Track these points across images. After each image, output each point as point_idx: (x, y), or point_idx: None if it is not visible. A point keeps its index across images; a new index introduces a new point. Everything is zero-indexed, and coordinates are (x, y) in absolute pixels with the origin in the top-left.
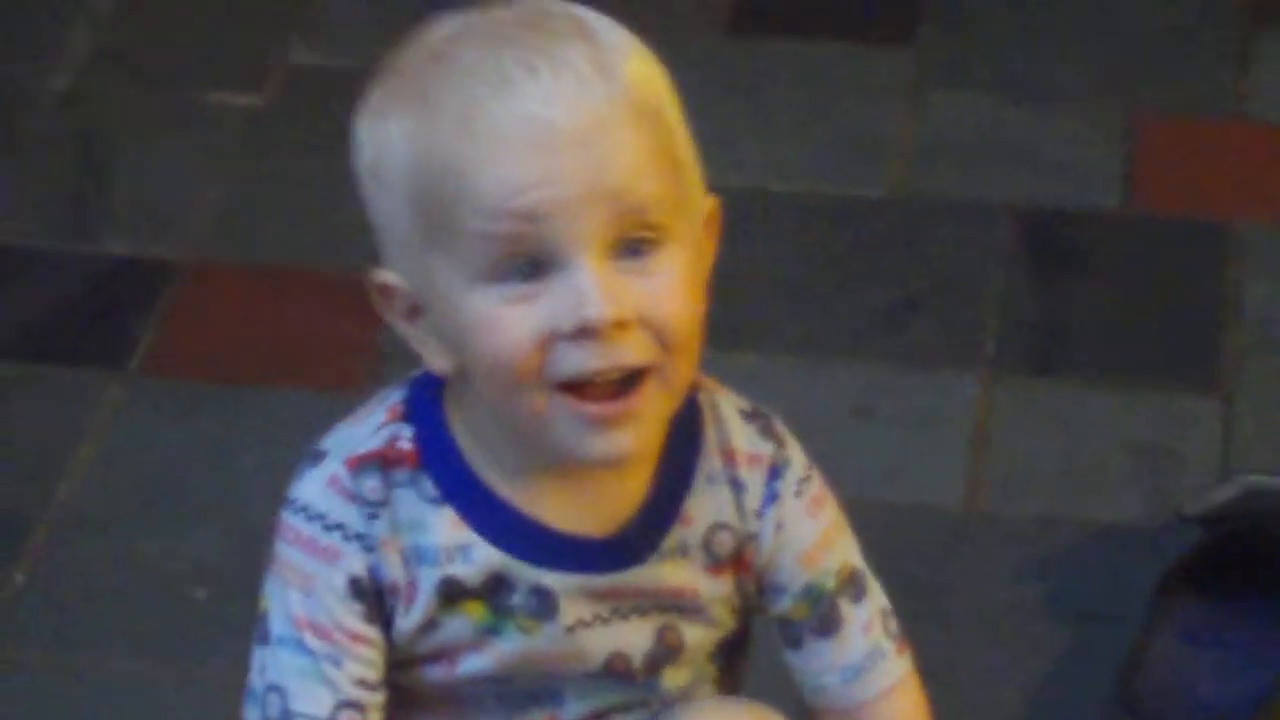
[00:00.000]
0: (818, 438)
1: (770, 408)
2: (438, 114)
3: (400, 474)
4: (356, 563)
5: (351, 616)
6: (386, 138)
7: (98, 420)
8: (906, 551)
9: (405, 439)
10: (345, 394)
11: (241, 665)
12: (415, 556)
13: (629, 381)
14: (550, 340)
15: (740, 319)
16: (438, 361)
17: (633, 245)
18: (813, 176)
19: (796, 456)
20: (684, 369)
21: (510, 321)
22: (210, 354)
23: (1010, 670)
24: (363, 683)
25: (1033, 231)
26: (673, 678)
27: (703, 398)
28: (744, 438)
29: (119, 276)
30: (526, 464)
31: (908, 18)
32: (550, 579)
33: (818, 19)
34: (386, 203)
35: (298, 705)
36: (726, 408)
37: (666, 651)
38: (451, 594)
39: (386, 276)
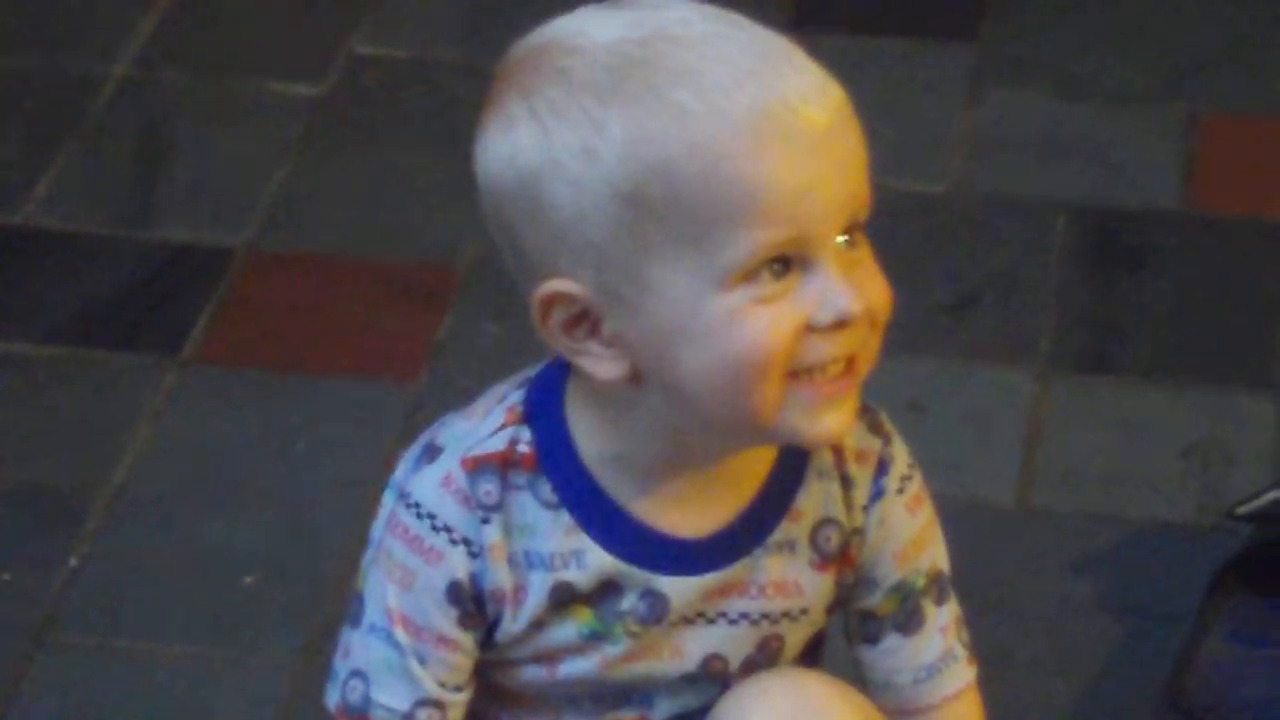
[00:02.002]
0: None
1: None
2: (678, 109)
3: (518, 477)
4: (460, 567)
5: (445, 619)
6: (596, 137)
7: (153, 405)
8: (959, 546)
9: (524, 442)
10: (398, 383)
11: (291, 650)
12: (527, 561)
13: (849, 362)
14: (805, 333)
15: None
16: (605, 368)
17: (849, 238)
18: (873, 171)
19: (901, 453)
20: (878, 346)
21: (766, 318)
22: (265, 341)
23: (1060, 665)
24: (444, 684)
25: (1091, 229)
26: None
27: None
28: (853, 433)
29: (177, 263)
30: (661, 467)
31: (969, 14)
32: (663, 582)
33: (880, 15)
34: (584, 205)
35: (379, 695)
36: None
37: (766, 657)
38: (562, 599)
39: (561, 286)
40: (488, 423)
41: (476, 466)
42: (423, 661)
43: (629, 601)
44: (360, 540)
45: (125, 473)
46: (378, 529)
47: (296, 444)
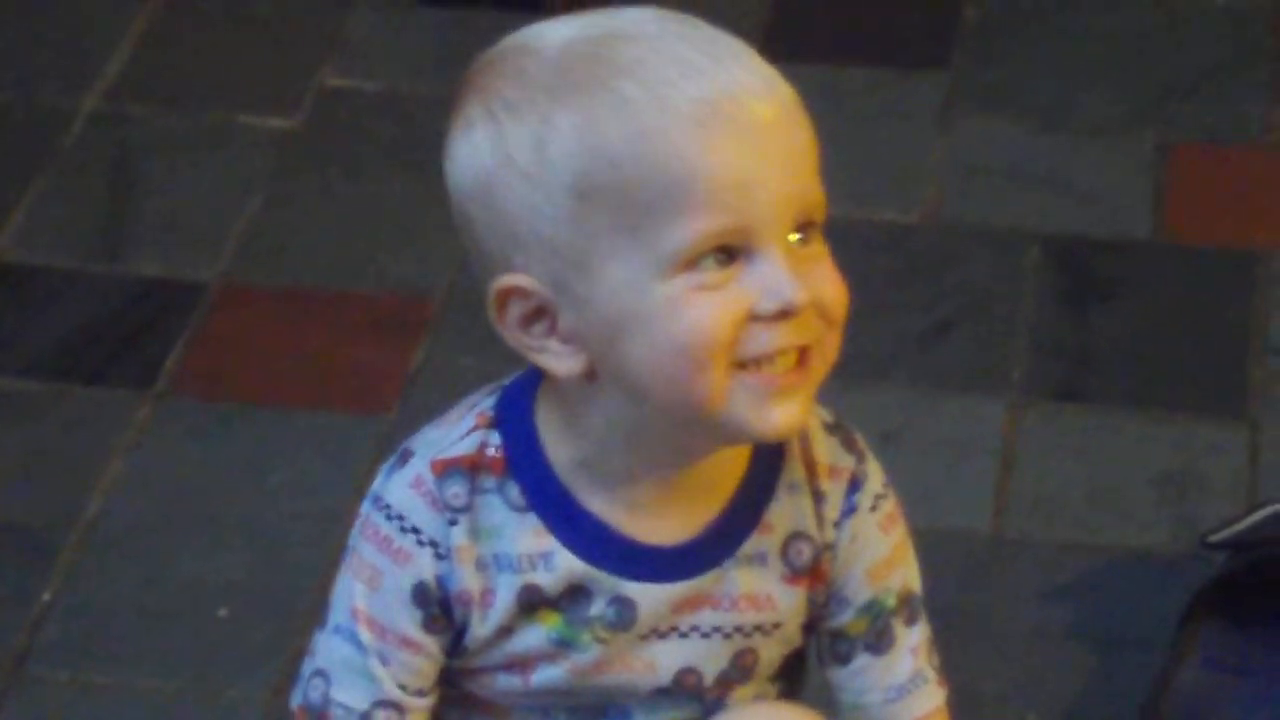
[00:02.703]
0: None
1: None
2: (624, 101)
3: (487, 480)
4: (426, 568)
5: (410, 622)
6: (547, 131)
7: (125, 439)
8: (932, 575)
9: (493, 446)
10: (372, 417)
11: (265, 684)
12: (495, 564)
13: (800, 356)
14: (746, 322)
15: None
16: (561, 364)
17: (800, 233)
18: (844, 201)
19: (875, 472)
20: (837, 344)
21: (707, 305)
22: (238, 375)
23: (1034, 695)
24: (404, 687)
25: (1062, 259)
26: (741, 696)
27: None
28: (826, 449)
29: (149, 297)
30: (625, 470)
31: (941, 44)
32: (631, 589)
33: (851, 44)
34: (534, 198)
35: (338, 694)
36: (810, 419)
37: (740, 672)
38: (531, 602)
39: (515, 280)
40: (458, 428)
41: (445, 470)
42: (385, 662)
43: (597, 607)
44: (334, 572)
45: (98, 506)
46: (352, 536)
47: (270, 477)
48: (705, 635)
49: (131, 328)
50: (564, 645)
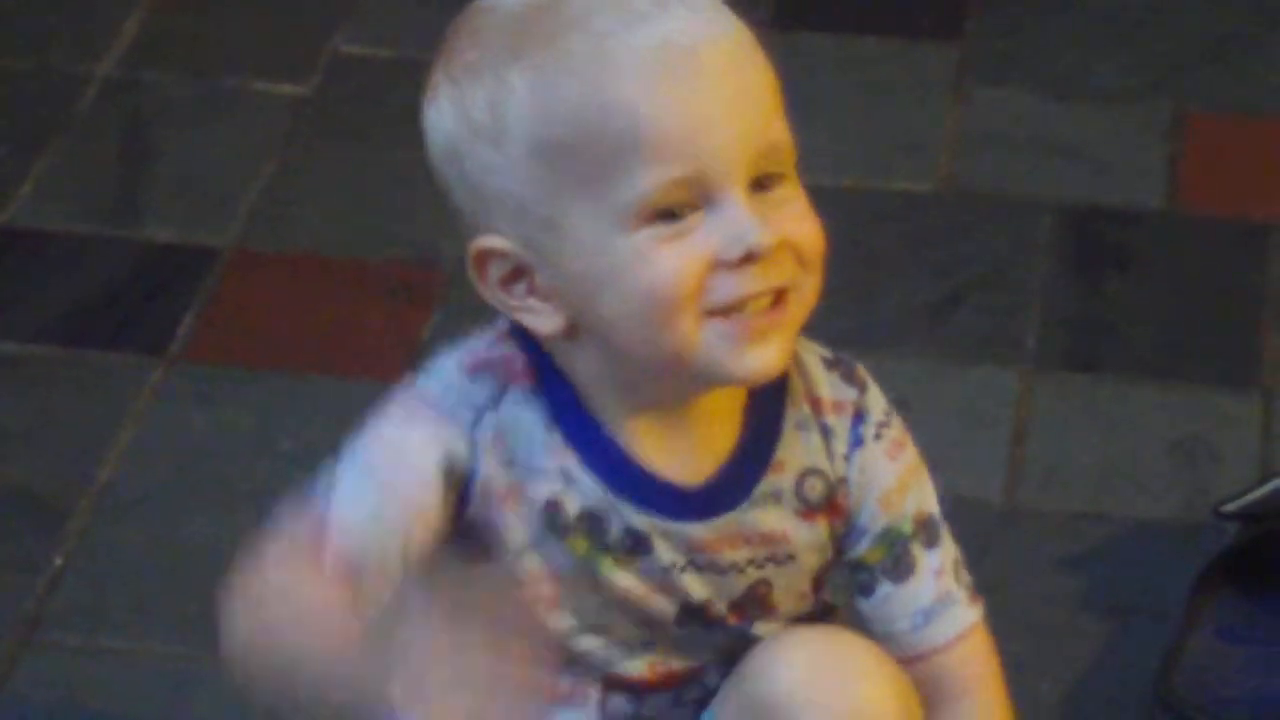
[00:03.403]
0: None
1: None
2: (570, 56)
3: (516, 390)
4: (456, 442)
5: (428, 494)
6: (502, 92)
7: (138, 405)
8: None
9: (521, 359)
10: (384, 383)
11: None
12: (524, 468)
13: (776, 299)
14: (712, 269)
15: None
16: (543, 322)
17: (763, 181)
18: (857, 171)
19: (876, 401)
20: (816, 285)
21: (671, 255)
22: (251, 341)
23: (1047, 664)
24: (413, 527)
25: (1077, 228)
26: (765, 629)
27: None
28: (828, 385)
29: (162, 262)
30: (627, 409)
31: (954, 13)
32: (641, 521)
33: (863, 14)
34: (500, 160)
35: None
36: (809, 356)
37: (755, 602)
38: (554, 520)
39: (488, 241)
40: (484, 339)
41: (475, 369)
42: (395, 493)
43: (613, 535)
44: None
45: (110, 472)
46: (370, 421)
47: (282, 443)
48: (721, 572)
49: (144, 293)
50: (586, 567)
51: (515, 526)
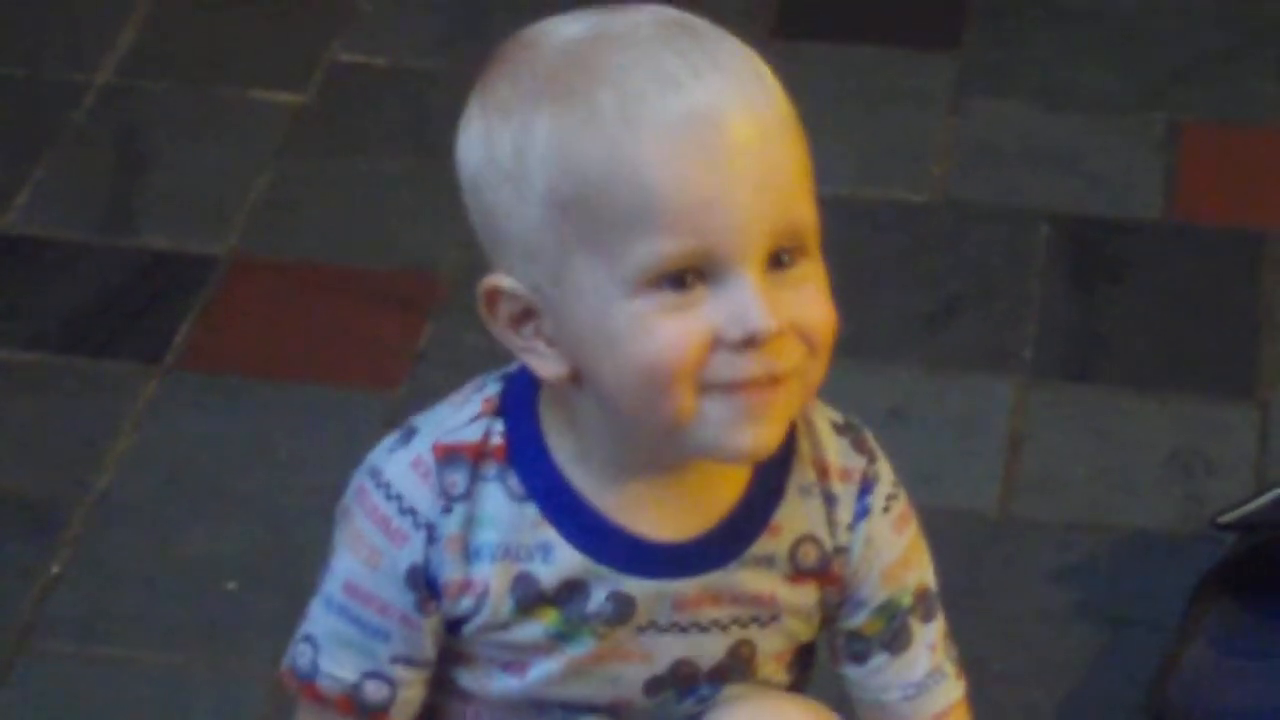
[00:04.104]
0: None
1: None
2: (596, 113)
3: (489, 468)
4: (419, 552)
5: (406, 601)
6: (527, 137)
7: (134, 413)
8: (940, 554)
9: (497, 433)
10: (381, 392)
11: (272, 657)
12: (483, 554)
13: (774, 381)
14: (712, 346)
15: None
16: (547, 367)
17: (781, 256)
18: (855, 180)
19: (885, 472)
20: (821, 370)
21: (672, 328)
22: (247, 349)
23: (1041, 675)
24: (401, 660)
25: (1072, 239)
26: (733, 690)
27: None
28: (837, 451)
29: (158, 271)
30: (623, 468)
31: (952, 24)
32: (630, 584)
33: (861, 24)
34: (518, 204)
35: (326, 664)
36: (819, 420)
37: (738, 664)
38: (526, 595)
39: (500, 281)
40: (465, 411)
41: (447, 455)
42: (381, 639)
43: (595, 603)
44: None
45: (106, 480)
46: (346, 502)
47: (278, 451)
48: (704, 629)
49: (140, 301)
50: (561, 639)
51: (484, 612)
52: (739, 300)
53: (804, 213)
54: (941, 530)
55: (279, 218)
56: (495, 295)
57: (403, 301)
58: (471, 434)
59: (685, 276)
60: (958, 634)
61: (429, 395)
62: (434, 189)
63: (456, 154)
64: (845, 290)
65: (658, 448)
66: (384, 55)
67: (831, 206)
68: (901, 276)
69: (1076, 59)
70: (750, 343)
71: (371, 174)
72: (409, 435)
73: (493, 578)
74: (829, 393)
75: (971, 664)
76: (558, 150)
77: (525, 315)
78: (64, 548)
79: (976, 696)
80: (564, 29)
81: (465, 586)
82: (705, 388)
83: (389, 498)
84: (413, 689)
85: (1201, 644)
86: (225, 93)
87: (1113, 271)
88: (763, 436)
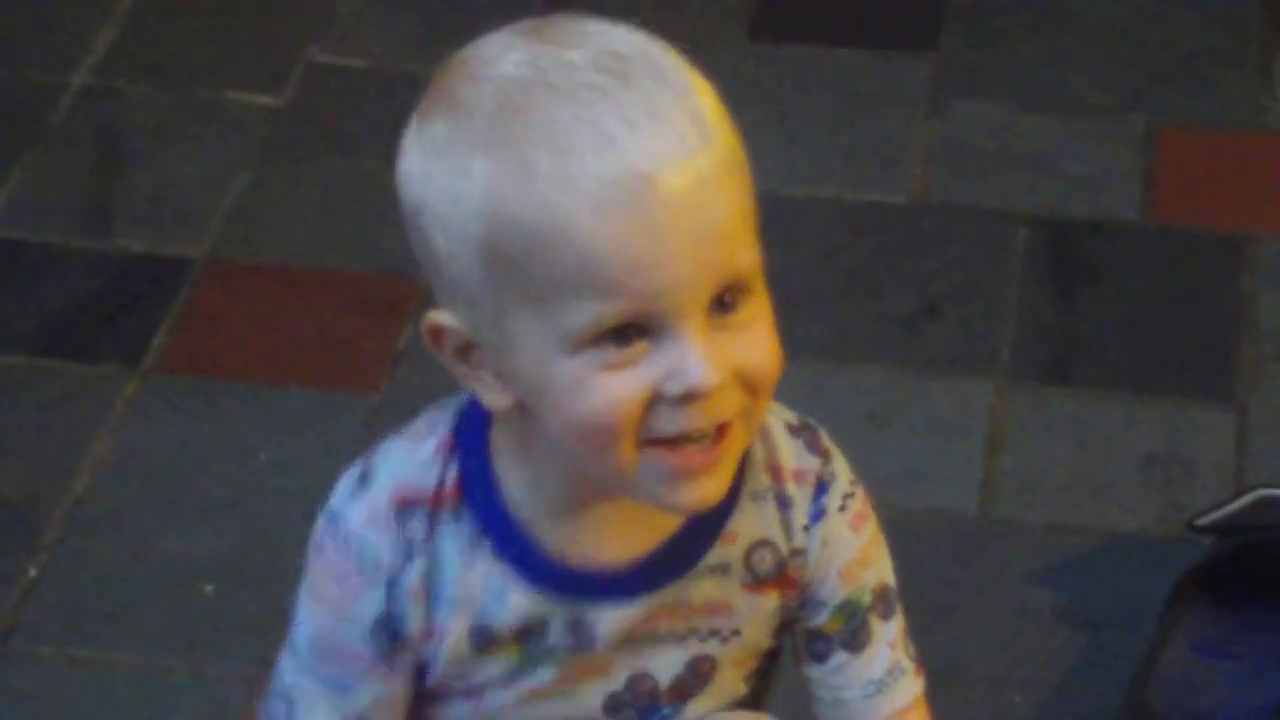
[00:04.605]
0: (834, 442)
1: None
2: (532, 173)
3: (445, 511)
4: (382, 604)
5: (374, 652)
6: (462, 185)
7: (112, 416)
8: (919, 556)
9: (452, 474)
10: (359, 395)
11: (251, 660)
12: (444, 601)
13: (718, 430)
14: (653, 402)
15: None
16: (494, 398)
17: (725, 301)
18: (833, 183)
19: (842, 471)
20: (765, 407)
21: (611, 386)
22: (225, 352)
23: (1020, 677)
24: (375, 704)
25: (1051, 241)
26: (700, 706)
27: None
28: (791, 453)
29: (136, 273)
30: (575, 494)
31: (929, 26)
32: (589, 613)
33: (839, 26)
34: (452, 247)
35: (300, 715)
36: (773, 423)
37: (696, 679)
38: (484, 641)
39: (442, 319)
40: (420, 451)
41: (405, 505)
42: (348, 690)
43: (555, 636)
44: None
45: (84, 483)
46: (311, 550)
47: (257, 455)
48: (659, 640)
49: (118, 304)
50: (521, 673)
51: (441, 660)
52: (679, 356)
53: (746, 257)
54: (921, 532)
55: (257, 220)
56: (438, 331)
57: (381, 304)
58: (428, 479)
59: (626, 332)
60: (935, 634)
61: (407, 398)
62: (421, 243)
63: (396, 179)
64: (824, 292)
65: (605, 486)
66: (362, 57)
67: (809, 209)
68: (880, 278)
69: (1055, 61)
70: (690, 398)
71: (350, 176)
72: (366, 480)
73: (452, 625)
74: (808, 395)
75: (950, 665)
76: (493, 204)
77: (470, 347)
78: (42, 551)
79: (953, 696)
80: (502, 62)
81: (429, 634)
82: (647, 442)
83: (349, 554)
84: None
85: (1179, 646)
86: (203, 95)
87: (1091, 273)
88: (704, 491)
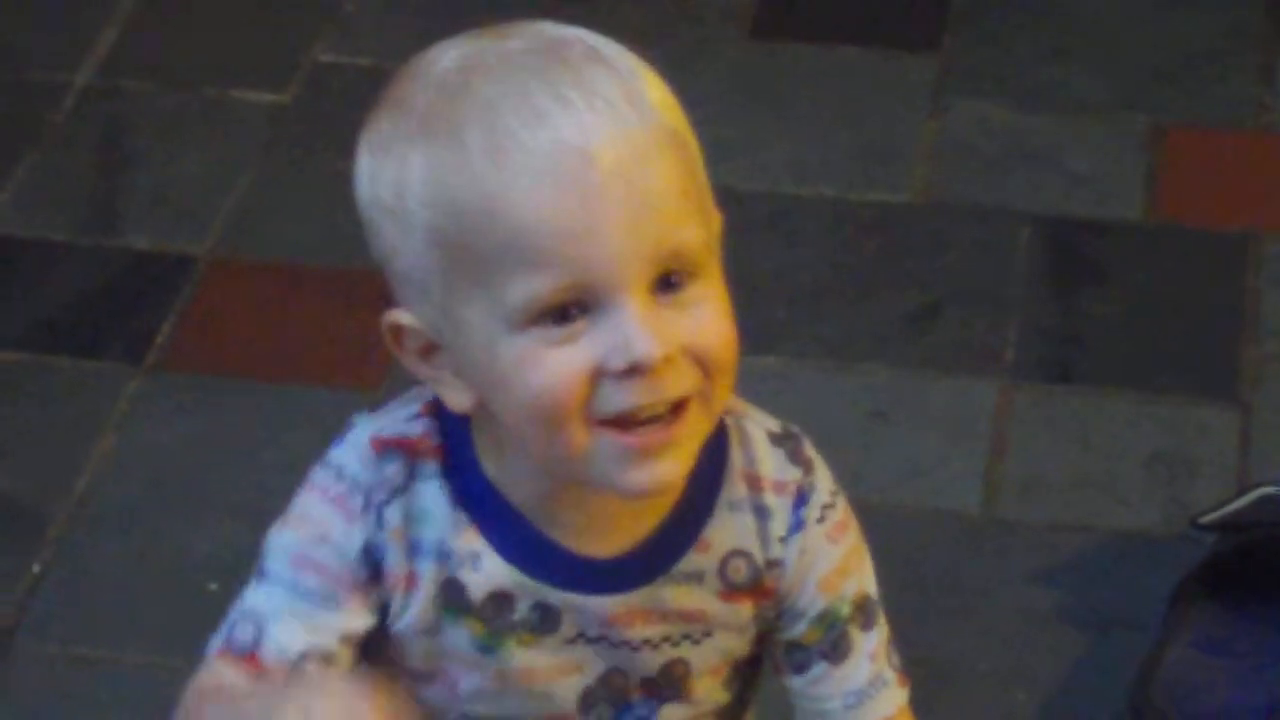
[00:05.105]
0: (837, 441)
1: (796, 421)
2: (465, 151)
3: (426, 467)
4: (371, 532)
5: (350, 575)
6: (405, 175)
7: (116, 413)
8: (923, 555)
9: (435, 434)
10: (361, 391)
11: None
12: (423, 551)
13: (673, 410)
14: (597, 378)
15: (762, 323)
16: (456, 398)
17: (670, 279)
18: (836, 182)
19: (822, 482)
20: (724, 391)
21: (555, 362)
22: (228, 349)
23: (1024, 675)
24: (345, 638)
25: (1054, 240)
26: (681, 714)
27: (730, 421)
28: (771, 463)
29: (140, 271)
30: (548, 488)
31: (932, 24)
32: (556, 597)
33: (842, 24)
34: (403, 241)
35: (273, 632)
36: (755, 431)
37: (670, 683)
38: (454, 601)
39: (399, 317)
40: (404, 410)
41: (384, 448)
42: (328, 607)
43: (520, 612)
44: None
45: (89, 480)
46: (294, 500)
47: (259, 452)
48: (635, 648)
49: (122, 302)
50: (487, 651)
51: (416, 609)
52: (620, 329)
53: (689, 234)
54: (924, 531)
55: (261, 218)
56: (398, 330)
57: (383, 301)
58: (409, 430)
59: (568, 309)
60: (940, 634)
61: None
62: (375, 245)
63: (354, 181)
64: (827, 291)
65: (568, 476)
66: (365, 56)
67: (813, 208)
68: (884, 278)
69: (1058, 59)
70: (634, 371)
71: (352, 174)
72: (348, 429)
73: (427, 576)
74: (811, 394)
75: (954, 663)
76: (433, 189)
77: (431, 348)
78: (47, 548)
79: (957, 695)
80: (443, 58)
81: (405, 580)
82: (598, 422)
83: (340, 478)
84: (343, 667)
85: (1182, 644)
86: (207, 93)
87: (1095, 273)
88: (659, 473)
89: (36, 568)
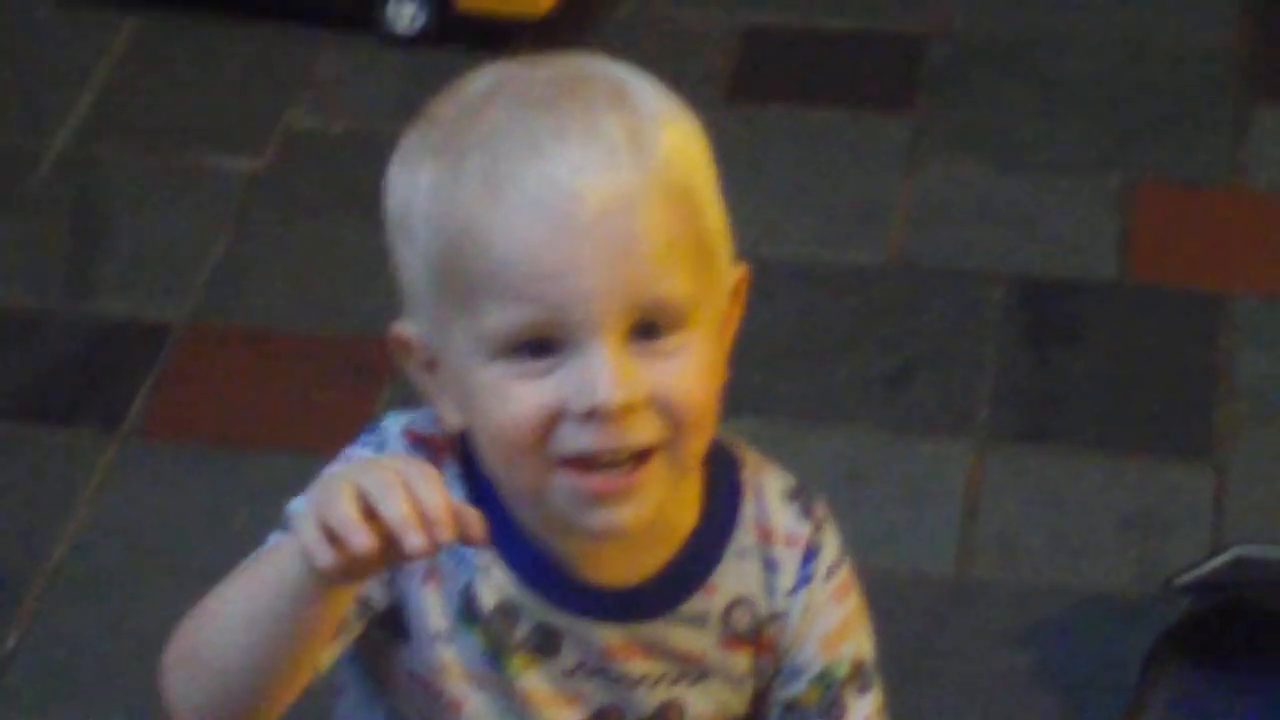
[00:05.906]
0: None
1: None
2: (464, 174)
3: (450, 468)
4: None
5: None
6: (414, 188)
7: (91, 482)
8: (897, 617)
9: (455, 443)
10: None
11: None
12: (449, 552)
13: (635, 458)
14: (557, 418)
15: (737, 383)
16: (450, 416)
17: (650, 327)
18: (810, 243)
19: (831, 541)
20: (696, 445)
21: (518, 396)
22: (205, 417)
23: None
24: (358, 598)
25: (1028, 300)
26: None
27: (746, 475)
28: (784, 517)
29: (115, 338)
30: (544, 526)
31: (906, 85)
32: (558, 619)
33: (817, 86)
34: (408, 254)
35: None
36: (771, 484)
37: None
38: (467, 608)
39: (404, 329)
40: (429, 413)
41: (417, 441)
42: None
43: (523, 630)
44: None
45: (64, 550)
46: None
47: (236, 519)
48: (633, 685)
49: (97, 369)
50: (495, 666)
51: (434, 609)
52: (585, 371)
53: (673, 286)
54: (898, 593)
55: (237, 284)
56: (401, 342)
57: (359, 368)
58: (437, 430)
59: (544, 345)
60: (913, 696)
61: None
62: (391, 255)
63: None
64: (802, 352)
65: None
66: (341, 121)
67: (787, 269)
68: (858, 339)
69: (1031, 120)
70: (594, 415)
71: (329, 239)
72: (376, 425)
73: (447, 574)
74: (786, 454)
75: None
76: (432, 207)
77: (433, 363)
78: (21, 620)
79: None
80: (479, 80)
81: (426, 572)
82: (557, 461)
83: (376, 450)
84: (346, 638)
85: (1158, 706)
86: (182, 159)
87: (1068, 333)
88: (617, 519)
89: (11, 640)
